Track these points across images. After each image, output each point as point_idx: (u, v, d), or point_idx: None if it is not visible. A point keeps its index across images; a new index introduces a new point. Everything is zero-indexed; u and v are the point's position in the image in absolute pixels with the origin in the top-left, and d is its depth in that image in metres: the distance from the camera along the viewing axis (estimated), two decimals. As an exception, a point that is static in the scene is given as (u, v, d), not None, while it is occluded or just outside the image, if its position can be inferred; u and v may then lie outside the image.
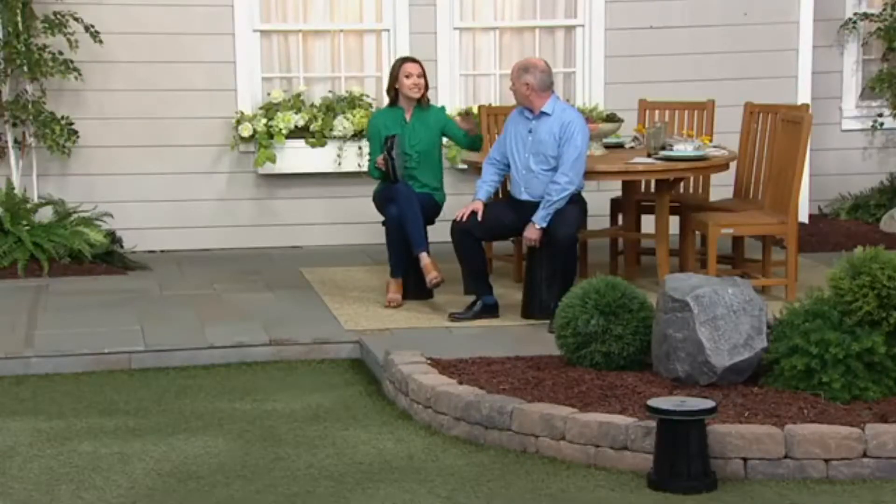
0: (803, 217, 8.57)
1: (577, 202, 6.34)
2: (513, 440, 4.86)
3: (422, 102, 6.88)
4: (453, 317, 6.42)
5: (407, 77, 6.81)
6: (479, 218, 6.38)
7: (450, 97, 8.59)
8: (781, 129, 6.86)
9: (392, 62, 7.20)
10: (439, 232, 7.09)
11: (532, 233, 6.28)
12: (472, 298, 6.49)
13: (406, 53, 7.83)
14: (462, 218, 6.38)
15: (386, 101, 7.13)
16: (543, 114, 6.35)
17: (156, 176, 8.39)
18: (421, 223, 6.65)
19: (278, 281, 7.50)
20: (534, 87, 6.32)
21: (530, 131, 6.38)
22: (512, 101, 8.69)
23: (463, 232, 6.40)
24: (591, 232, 7.40)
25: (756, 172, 7.18)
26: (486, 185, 6.49)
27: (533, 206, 6.32)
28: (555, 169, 6.29)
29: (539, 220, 6.26)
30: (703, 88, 8.10)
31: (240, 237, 8.53)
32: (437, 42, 8.58)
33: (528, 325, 6.30)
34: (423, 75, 6.84)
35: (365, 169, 8.31)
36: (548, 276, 6.31)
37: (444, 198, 6.99)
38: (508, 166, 6.49)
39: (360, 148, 8.42)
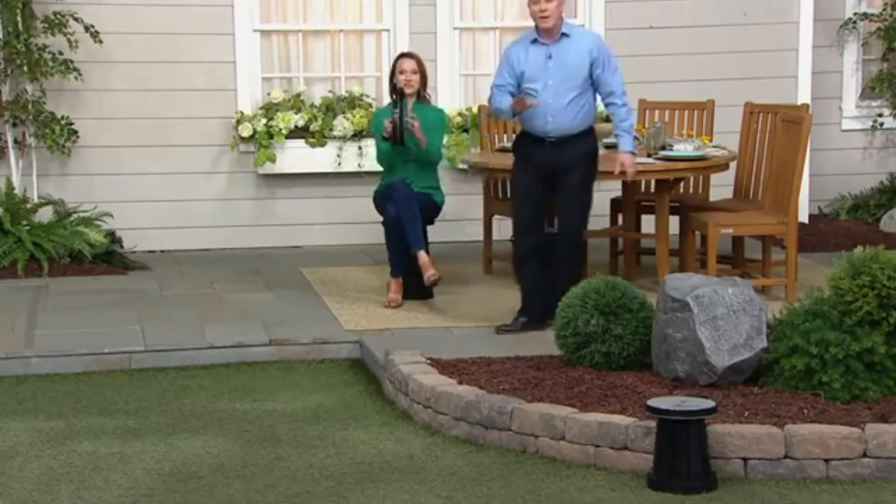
0: (803, 217, 8.58)
1: (584, 191, 6.19)
2: (513, 440, 4.87)
3: (420, 98, 6.90)
4: (501, 330, 6.19)
5: (401, 73, 6.85)
6: (533, 103, 6.04)
7: (450, 97, 8.60)
8: (781, 129, 6.87)
9: (392, 62, 7.20)
10: (440, 232, 7.10)
11: (627, 159, 6.14)
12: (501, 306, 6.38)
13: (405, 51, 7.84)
14: (523, 108, 6.04)
15: (385, 101, 7.16)
16: (563, 36, 6.12)
17: (156, 176, 8.40)
18: (419, 222, 6.66)
19: (278, 281, 7.51)
20: (563, 6, 6.09)
21: (550, 57, 6.12)
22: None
23: (526, 256, 6.22)
24: (591, 232, 7.39)
25: (756, 172, 7.18)
26: (506, 97, 6.17)
27: (555, 145, 6.11)
28: (581, 94, 6.08)
29: (629, 147, 6.14)
30: (703, 88, 8.10)
31: (240, 237, 8.55)
32: (437, 42, 8.59)
33: (528, 325, 6.30)
34: (418, 71, 6.85)
35: (365, 169, 8.34)
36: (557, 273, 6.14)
37: (443, 198, 7.00)
38: (517, 92, 6.16)
39: (360, 148, 8.43)
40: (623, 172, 6.27)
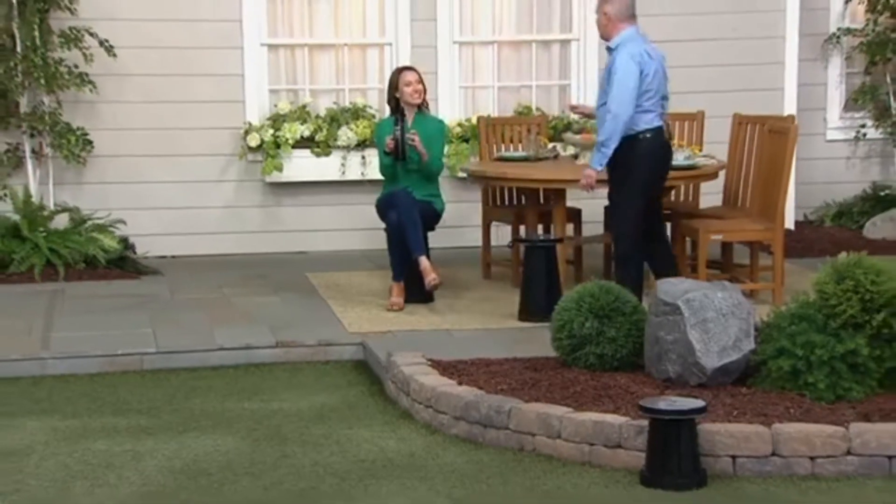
0: (789, 224, 8.57)
1: (617, 203, 6.19)
2: (511, 439, 4.90)
3: (422, 108, 6.98)
4: None
5: (407, 85, 6.89)
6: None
7: (450, 109, 8.66)
8: (768, 139, 6.90)
9: (390, 79, 7.31)
10: (440, 238, 7.20)
11: (584, 173, 6.08)
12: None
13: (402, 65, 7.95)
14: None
15: (387, 112, 7.28)
16: (609, 49, 6.20)
17: (167, 184, 8.46)
18: (420, 229, 6.71)
19: (284, 285, 7.55)
20: (610, 16, 6.11)
21: (608, 67, 6.27)
22: (510, 113, 8.87)
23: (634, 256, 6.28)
24: (585, 238, 7.53)
25: (744, 181, 7.19)
26: None
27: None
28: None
29: (593, 163, 6.06)
30: (694, 100, 8.10)
31: (247, 243, 8.59)
32: (437, 55, 8.65)
33: (525, 328, 6.34)
34: (422, 81, 6.94)
35: (368, 178, 8.45)
36: None
37: (443, 206, 7.06)
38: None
39: (363, 157, 8.51)
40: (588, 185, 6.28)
